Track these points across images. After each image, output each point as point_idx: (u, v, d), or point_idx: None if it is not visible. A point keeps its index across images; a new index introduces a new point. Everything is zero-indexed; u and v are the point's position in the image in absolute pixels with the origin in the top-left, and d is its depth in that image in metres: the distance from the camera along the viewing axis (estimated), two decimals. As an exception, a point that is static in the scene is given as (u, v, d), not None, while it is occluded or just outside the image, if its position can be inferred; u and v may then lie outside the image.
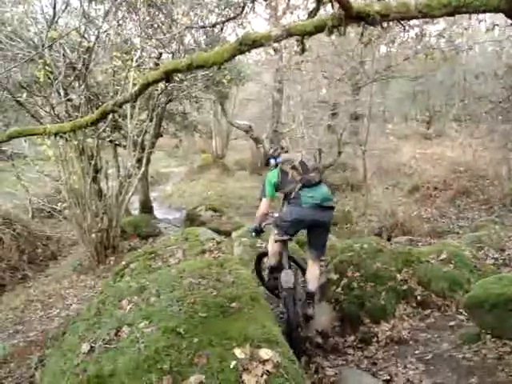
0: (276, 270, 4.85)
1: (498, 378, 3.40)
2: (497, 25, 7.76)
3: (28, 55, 7.36)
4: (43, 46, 7.25)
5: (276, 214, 4.97)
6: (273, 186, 4.75)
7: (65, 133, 3.33)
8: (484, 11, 1.96)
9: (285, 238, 4.67)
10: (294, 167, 4.54)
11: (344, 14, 1.99)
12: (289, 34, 2.17)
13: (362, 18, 2.03)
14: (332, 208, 4.55)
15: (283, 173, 4.63)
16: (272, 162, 4.94)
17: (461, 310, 4.70)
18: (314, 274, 4.67)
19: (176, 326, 2.93)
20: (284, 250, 4.83)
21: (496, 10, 1.94)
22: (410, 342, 4.42)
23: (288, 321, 4.15)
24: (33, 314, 6.54)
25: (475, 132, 15.58)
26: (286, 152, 4.96)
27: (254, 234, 5.11)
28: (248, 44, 2.23)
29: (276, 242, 4.74)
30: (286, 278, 4.31)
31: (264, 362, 2.67)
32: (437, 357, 3.99)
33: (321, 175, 4.64)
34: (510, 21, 2.05)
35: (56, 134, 3.21)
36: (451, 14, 2.00)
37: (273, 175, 4.78)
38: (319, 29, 2.13)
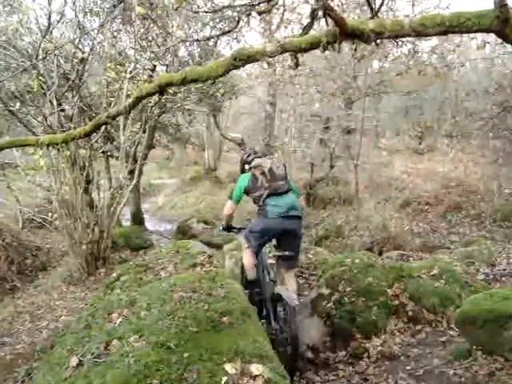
0: (254, 283, 4.83)
1: (489, 394, 3.39)
2: (488, 42, 7.84)
3: (22, 65, 7.36)
4: (37, 56, 7.25)
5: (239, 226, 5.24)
6: (241, 190, 4.80)
7: (57, 144, 3.32)
8: (476, 31, 1.99)
9: (254, 249, 4.72)
10: (263, 173, 4.58)
11: (339, 31, 2.01)
12: (283, 49, 2.18)
13: (356, 35, 2.05)
14: (299, 217, 4.55)
15: (254, 178, 4.66)
16: (246, 167, 4.97)
17: (452, 326, 4.69)
18: (289, 285, 4.66)
19: (166, 341, 2.91)
20: (260, 262, 4.91)
21: (488, 31, 1.97)
22: (401, 358, 4.41)
23: (292, 339, 4.11)
24: (21, 326, 6.46)
25: (466, 147, 15.70)
26: (259, 157, 4.96)
27: (221, 229, 5.39)
28: (242, 59, 2.25)
29: (249, 253, 4.77)
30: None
31: (255, 377, 2.65)
32: (428, 372, 3.98)
33: (289, 184, 4.67)
34: (500, 39, 2.07)
35: (48, 145, 3.20)
36: (444, 33, 2.03)
37: (244, 179, 4.82)
38: (314, 45, 2.15)
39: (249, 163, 4.92)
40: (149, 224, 15.20)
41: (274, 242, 5.00)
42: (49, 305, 7.18)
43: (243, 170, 5.06)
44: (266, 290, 4.74)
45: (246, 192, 4.77)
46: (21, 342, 5.85)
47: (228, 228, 5.25)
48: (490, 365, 3.69)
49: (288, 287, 4.53)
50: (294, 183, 5.11)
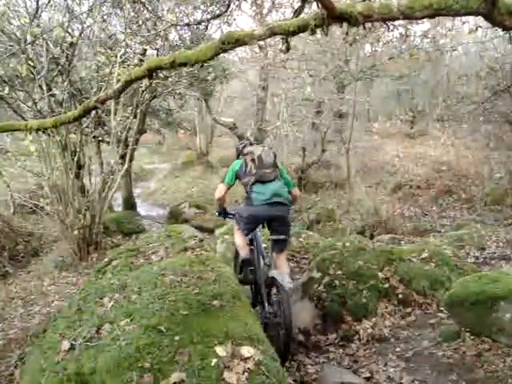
0: (249, 262, 4.87)
1: (477, 374, 3.45)
2: (480, 26, 7.82)
3: (10, 49, 7.28)
4: (26, 40, 7.17)
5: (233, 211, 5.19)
6: (233, 174, 4.83)
7: (46, 129, 3.30)
8: (464, 14, 1.99)
9: (245, 232, 4.77)
10: (253, 160, 4.61)
11: (327, 14, 2.00)
12: (272, 33, 2.18)
13: (344, 18, 2.05)
14: (284, 204, 4.58)
15: (245, 164, 4.70)
16: (240, 156, 5.00)
17: (441, 308, 4.75)
18: (283, 269, 4.69)
19: (157, 324, 2.92)
20: (255, 246, 4.98)
21: (476, 13, 1.97)
22: (391, 340, 4.46)
23: (285, 322, 4.13)
24: (13, 311, 6.47)
25: (458, 132, 15.75)
26: (252, 145, 5.00)
27: (218, 215, 5.38)
28: (231, 42, 2.24)
29: (240, 233, 4.82)
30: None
31: (245, 359, 2.68)
32: (417, 354, 4.03)
33: (277, 172, 4.69)
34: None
35: (38, 130, 3.18)
36: (432, 16, 2.03)
37: (237, 164, 4.86)
38: (302, 28, 2.14)
39: (242, 152, 4.95)
40: (141, 209, 15.18)
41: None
42: (41, 290, 7.19)
43: (238, 159, 5.09)
44: (261, 273, 4.77)
45: (237, 177, 4.81)
46: (13, 327, 5.86)
47: (224, 213, 5.28)
48: (478, 346, 3.75)
49: (282, 271, 4.56)
50: (287, 172, 5.12)
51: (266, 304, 4.54)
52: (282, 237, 4.68)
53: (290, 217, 4.75)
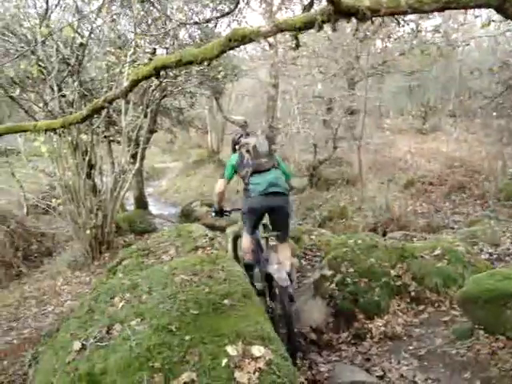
0: (250, 267, 4.88)
1: (491, 373, 3.40)
2: (493, 20, 7.72)
3: (21, 50, 7.31)
4: (36, 41, 7.20)
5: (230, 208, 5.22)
6: (232, 169, 4.81)
7: (55, 129, 3.30)
8: (474, 7, 1.95)
9: (250, 230, 4.75)
10: (248, 151, 4.58)
11: (333, 9, 1.97)
12: (278, 29, 2.15)
13: (351, 13, 2.01)
14: (282, 193, 4.52)
15: (241, 156, 4.68)
16: (237, 147, 4.96)
17: (454, 306, 4.70)
18: (284, 255, 4.65)
19: (168, 324, 2.92)
20: (259, 246, 4.96)
21: (486, 6, 1.93)
22: (404, 338, 4.42)
23: (285, 317, 4.09)
24: (27, 311, 6.53)
25: (470, 127, 15.61)
26: (248, 136, 4.96)
27: (214, 215, 5.28)
28: (237, 40, 2.22)
29: (247, 237, 4.82)
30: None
31: (256, 359, 2.66)
32: (430, 352, 3.99)
33: (274, 161, 4.65)
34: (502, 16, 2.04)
35: (46, 131, 3.18)
36: (441, 10, 1.99)
37: (234, 158, 4.84)
38: (309, 24, 2.11)
39: (238, 143, 4.93)
40: (153, 208, 15.24)
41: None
42: (54, 290, 7.24)
43: (234, 150, 5.06)
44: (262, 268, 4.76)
45: (236, 171, 4.79)
46: (27, 326, 5.91)
47: (220, 212, 5.23)
48: (492, 344, 3.71)
49: (280, 267, 4.49)
50: (284, 162, 5.08)
51: (268, 299, 4.53)
52: (275, 233, 4.67)
53: (289, 206, 4.70)
